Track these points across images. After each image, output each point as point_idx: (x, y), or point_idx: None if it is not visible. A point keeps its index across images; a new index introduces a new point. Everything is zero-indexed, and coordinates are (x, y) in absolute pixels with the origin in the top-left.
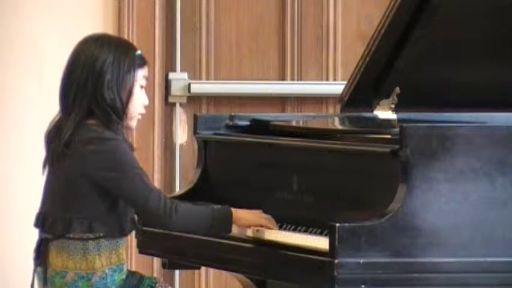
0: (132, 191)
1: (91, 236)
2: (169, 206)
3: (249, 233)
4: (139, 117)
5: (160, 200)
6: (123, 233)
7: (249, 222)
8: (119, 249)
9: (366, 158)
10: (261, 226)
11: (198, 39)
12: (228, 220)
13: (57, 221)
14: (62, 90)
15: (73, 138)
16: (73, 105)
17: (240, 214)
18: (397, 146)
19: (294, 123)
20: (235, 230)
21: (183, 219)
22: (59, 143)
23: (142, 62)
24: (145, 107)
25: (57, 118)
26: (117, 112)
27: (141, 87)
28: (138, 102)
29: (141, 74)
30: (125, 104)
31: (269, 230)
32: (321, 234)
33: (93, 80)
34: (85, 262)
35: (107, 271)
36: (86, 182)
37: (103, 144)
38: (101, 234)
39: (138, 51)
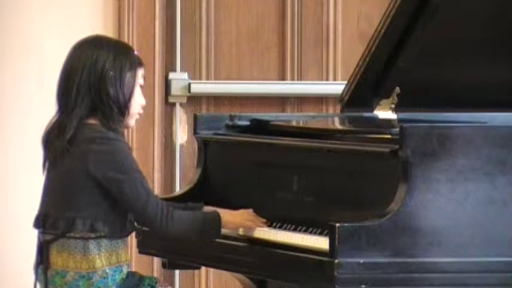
0: (132, 194)
1: (92, 235)
2: (165, 212)
3: (240, 231)
4: (138, 117)
5: (158, 206)
6: (123, 234)
7: (236, 225)
8: (118, 250)
9: (366, 158)
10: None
11: (198, 39)
12: (218, 225)
13: (59, 220)
14: (62, 91)
15: (75, 137)
16: (75, 103)
17: (228, 218)
18: (397, 146)
19: (294, 123)
20: (225, 232)
21: (178, 225)
22: (63, 140)
23: (140, 61)
24: (143, 108)
25: (54, 119)
26: (120, 107)
27: (140, 86)
28: (138, 101)
29: (140, 73)
30: (127, 100)
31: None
32: (321, 234)
33: (95, 77)
34: (85, 261)
35: (107, 270)
36: (88, 180)
37: (106, 144)
38: (102, 234)
39: (135, 51)
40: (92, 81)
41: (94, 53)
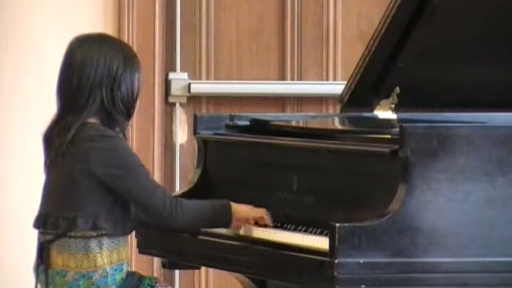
0: (137, 188)
1: (93, 234)
2: (174, 203)
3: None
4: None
5: (166, 197)
6: (124, 232)
7: (246, 214)
8: (119, 248)
9: (366, 158)
10: (257, 221)
11: (198, 39)
12: (228, 212)
13: (60, 219)
14: (66, 88)
15: (75, 137)
16: (86, 103)
17: (238, 207)
18: (397, 146)
19: (294, 123)
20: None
21: (188, 215)
22: (65, 139)
23: (139, 62)
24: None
25: (56, 117)
26: (128, 109)
27: None
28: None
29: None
30: (134, 102)
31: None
32: (321, 234)
33: (110, 80)
34: (86, 260)
35: (108, 269)
36: (90, 179)
37: (105, 142)
38: (104, 232)
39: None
40: (106, 83)
41: (106, 53)
